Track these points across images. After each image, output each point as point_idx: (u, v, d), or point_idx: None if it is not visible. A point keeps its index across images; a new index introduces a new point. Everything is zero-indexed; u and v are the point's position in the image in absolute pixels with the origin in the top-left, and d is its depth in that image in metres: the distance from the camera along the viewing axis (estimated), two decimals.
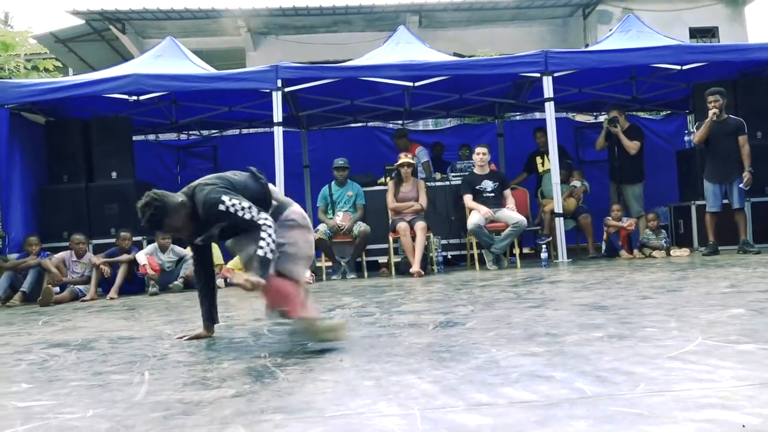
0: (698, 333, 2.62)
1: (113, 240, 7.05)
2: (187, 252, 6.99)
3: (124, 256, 6.74)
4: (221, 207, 2.93)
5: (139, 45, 14.01)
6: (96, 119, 8.00)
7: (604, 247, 7.76)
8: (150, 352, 3.04)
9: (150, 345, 3.26)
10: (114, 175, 7.79)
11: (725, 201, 7.09)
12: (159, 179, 9.38)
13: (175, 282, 6.72)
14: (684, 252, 7.36)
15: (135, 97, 7.85)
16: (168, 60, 7.98)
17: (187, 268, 6.80)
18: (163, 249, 6.90)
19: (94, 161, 7.84)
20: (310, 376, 2.30)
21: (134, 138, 8.50)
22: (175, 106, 8.78)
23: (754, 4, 15.19)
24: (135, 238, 7.11)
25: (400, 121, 10.35)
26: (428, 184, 7.71)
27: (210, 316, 3.42)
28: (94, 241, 7.36)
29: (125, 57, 13.49)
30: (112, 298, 6.34)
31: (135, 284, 6.84)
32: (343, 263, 7.19)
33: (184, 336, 3.38)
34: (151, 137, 10.14)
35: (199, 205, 3.02)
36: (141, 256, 6.67)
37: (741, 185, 6.90)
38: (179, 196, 3.09)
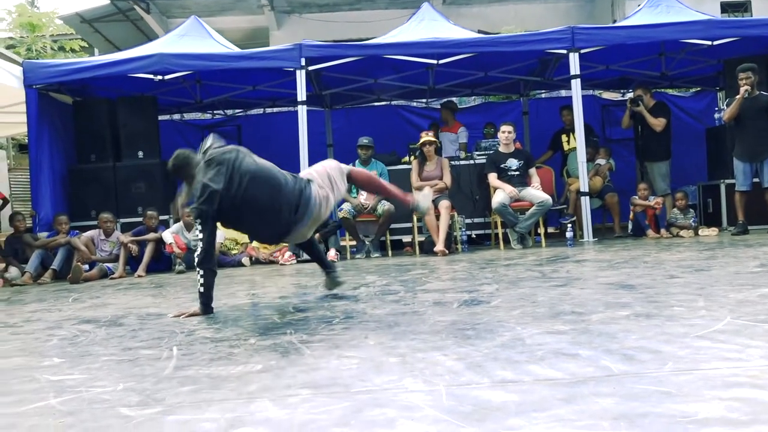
0: (727, 312, 2.59)
1: (140, 219, 7.15)
2: None
3: (151, 235, 6.82)
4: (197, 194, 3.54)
5: (164, 25, 14.05)
6: (122, 99, 8.07)
7: (630, 226, 7.68)
8: (178, 328, 3.08)
9: (177, 321, 3.31)
10: (140, 154, 7.86)
11: (755, 180, 6.97)
12: None
13: None
14: (713, 231, 7.25)
15: (160, 77, 7.88)
16: (192, 39, 8.00)
17: None
18: (189, 227, 6.96)
19: (121, 141, 7.91)
20: (335, 353, 2.32)
21: (160, 117, 8.56)
22: (200, 86, 8.82)
23: None
24: (161, 217, 7.18)
25: (424, 100, 10.29)
26: (452, 162, 7.67)
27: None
28: (122, 220, 7.45)
29: (150, 37, 13.55)
30: (140, 276, 6.42)
31: (162, 262, 6.92)
32: (367, 242, 7.21)
33: (181, 314, 3.46)
34: (176, 117, 10.20)
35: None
36: (167, 235, 6.75)
37: None
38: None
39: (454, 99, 10.08)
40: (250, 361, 2.28)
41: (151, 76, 7.83)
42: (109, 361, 2.44)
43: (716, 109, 8.79)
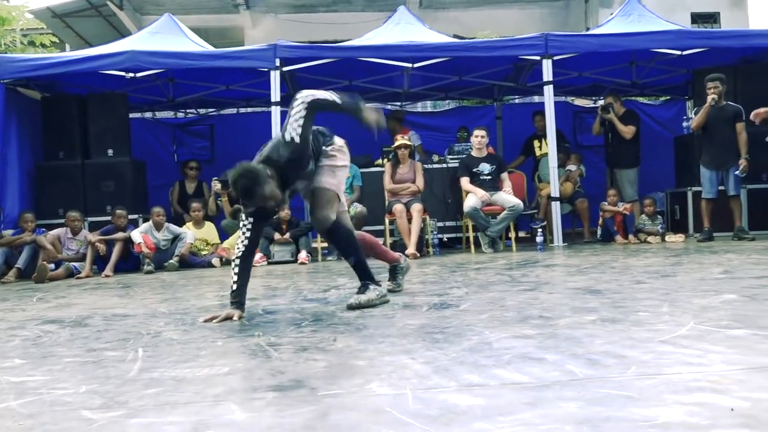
0: (690, 318, 2.63)
1: (109, 218, 7.04)
2: (183, 230, 6.99)
3: (120, 234, 6.73)
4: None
5: (137, 21, 13.90)
6: (92, 96, 7.95)
7: (599, 231, 7.78)
8: (144, 329, 3.04)
9: (144, 323, 3.26)
10: (110, 152, 7.76)
11: (721, 187, 7.11)
12: (155, 157, 9.38)
13: (170, 261, 6.72)
14: (679, 238, 7.38)
15: (132, 74, 7.79)
16: (165, 37, 7.93)
17: (182, 247, 6.81)
18: (159, 227, 6.89)
19: (90, 138, 7.80)
20: (303, 356, 2.31)
21: (131, 115, 8.46)
22: (172, 84, 8.74)
23: None
24: (130, 216, 7.10)
25: (399, 103, 10.31)
26: (425, 166, 7.69)
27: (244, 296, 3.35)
28: (90, 219, 7.35)
29: (122, 33, 13.39)
30: (107, 276, 6.34)
31: (130, 262, 6.84)
32: None
33: (214, 319, 3.17)
34: (148, 115, 10.09)
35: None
36: (136, 235, 6.67)
37: (737, 172, 6.91)
38: (266, 168, 3.23)
39: (428, 102, 10.12)
40: (216, 363, 2.26)
41: (122, 74, 7.74)
42: (72, 362, 2.40)
43: (684, 117, 8.94)
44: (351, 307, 3.30)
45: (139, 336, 2.88)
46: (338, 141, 3.80)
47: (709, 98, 7.01)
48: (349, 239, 3.52)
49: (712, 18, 14.61)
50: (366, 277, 3.49)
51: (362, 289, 3.44)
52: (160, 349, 2.55)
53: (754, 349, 2.08)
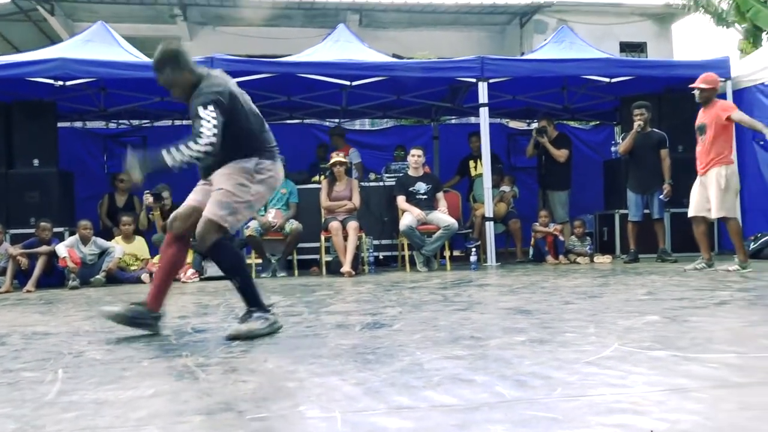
0: (615, 339, 2.71)
1: (32, 230, 6.75)
2: (111, 245, 6.78)
3: (44, 248, 6.47)
4: (199, 110, 3.11)
5: (69, 28, 13.48)
6: (18, 103, 7.64)
7: (531, 252, 7.95)
8: (65, 348, 2.93)
9: (66, 341, 3.14)
10: (36, 162, 7.46)
11: (646, 211, 7.39)
12: (84, 168, 9.08)
13: (97, 276, 6.49)
14: (607, 259, 7.61)
15: (61, 82, 7.53)
16: (98, 45, 7.71)
17: (110, 262, 6.60)
18: (85, 241, 6.66)
19: (14, 147, 7.49)
20: (232, 377, 2.27)
21: (59, 124, 8.17)
22: (104, 94, 8.48)
23: (680, 22, 15.85)
24: (56, 229, 6.83)
25: (337, 120, 10.32)
26: (362, 184, 7.70)
27: None
28: (12, 231, 7.02)
29: (53, 40, 12.93)
30: (28, 291, 6.08)
31: (54, 277, 6.57)
32: (273, 261, 7.12)
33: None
34: (78, 124, 9.77)
35: (196, 92, 3.21)
36: (61, 248, 6.42)
37: (661, 197, 7.20)
38: (196, 68, 3.32)
39: (366, 120, 10.18)
40: (140, 385, 2.19)
41: (51, 81, 7.47)
42: None
43: (613, 142, 9.27)
44: (230, 338, 3.00)
45: (60, 356, 2.77)
46: (266, 165, 3.32)
47: (636, 125, 7.30)
48: (233, 258, 3.26)
49: (639, 48, 15.25)
50: (252, 303, 3.16)
51: (245, 317, 3.12)
52: (82, 370, 2.46)
53: (673, 371, 2.16)
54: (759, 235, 7.25)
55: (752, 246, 7.19)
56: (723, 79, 7.98)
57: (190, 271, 6.72)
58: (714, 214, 5.92)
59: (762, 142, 7.59)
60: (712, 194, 5.87)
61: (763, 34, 14.27)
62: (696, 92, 6.06)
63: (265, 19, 13.90)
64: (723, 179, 5.79)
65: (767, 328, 2.88)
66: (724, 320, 3.16)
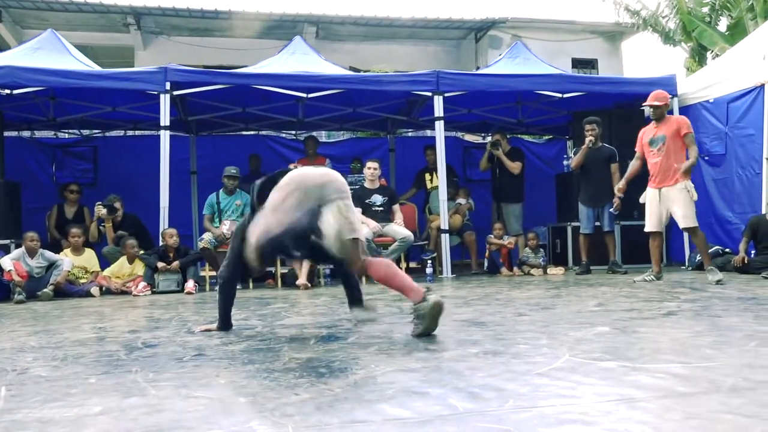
0: (566, 350, 2.75)
1: None
2: (59, 257, 6.60)
3: None
4: None
5: (17, 35, 13.18)
6: None
7: (486, 263, 8.03)
8: (9, 365, 2.83)
9: (10, 358, 3.03)
10: None
11: (597, 224, 7.55)
12: (31, 179, 8.86)
13: (45, 290, 6.30)
14: (559, 270, 7.75)
15: (8, 91, 7.33)
16: (47, 53, 7.55)
17: (58, 275, 6.41)
18: (32, 253, 6.47)
19: None
20: (182, 393, 2.22)
21: (5, 134, 7.96)
22: (54, 103, 8.31)
23: (629, 40, 16.32)
24: (1, 242, 6.63)
25: (293, 131, 10.29)
26: None
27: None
28: None
29: (0, 47, 12.62)
30: None
31: None
32: None
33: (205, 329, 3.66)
34: (26, 134, 9.52)
35: None
36: (6, 261, 6.22)
37: (611, 210, 7.36)
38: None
39: (322, 132, 10.18)
40: (87, 402, 2.13)
41: None
42: None
43: (565, 156, 9.48)
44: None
45: (4, 372, 2.67)
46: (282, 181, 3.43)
47: (587, 139, 7.47)
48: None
49: (591, 64, 15.66)
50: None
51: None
52: (26, 387, 2.38)
53: (622, 381, 2.20)
54: None
55: (698, 258, 7.39)
56: (670, 96, 8.25)
57: (142, 284, 6.59)
58: (686, 224, 5.96)
59: (707, 158, 7.85)
60: (680, 206, 5.92)
61: (708, 53, 14.80)
62: (649, 109, 6.22)
63: (224, 29, 13.82)
64: (692, 191, 5.93)
65: (711, 339, 2.96)
66: (671, 331, 3.24)
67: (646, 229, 6.24)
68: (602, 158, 7.52)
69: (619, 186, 6.63)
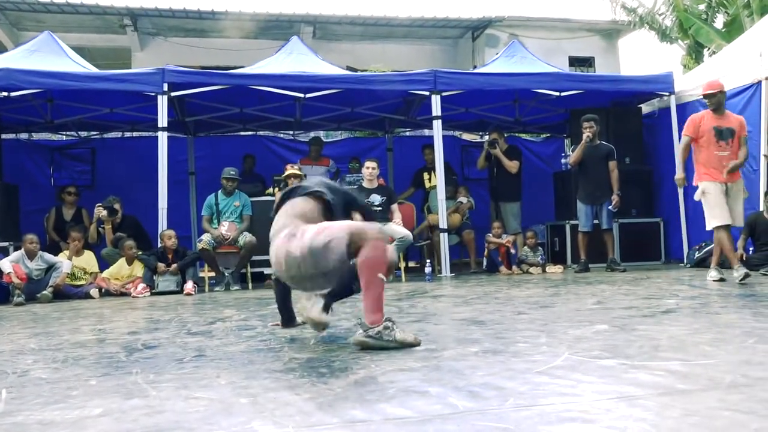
0: (565, 348, 2.76)
1: None
2: (58, 259, 6.60)
3: None
4: None
5: (14, 37, 13.16)
6: None
7: (485, 262, 8.04)
8: (9, 368, 2.83)
9: (10, 360, 3.03)
10: None
11: (596, 221, 7.56)
12: (30, 181, 8.85)
13: (44, 292, 6.30)
14: (558, 269, 7.75)
15: (5, 93, 7.32)
16: (44, 55, 7.53)
17: (58, 277, 6.41)
18: (31, 256, 6.47)
19: None
20: (183, 394, 2.23)
21: (3, 136, 7.95)
22: (51, 105, 8.29)
23: (626, 38, 16.34)
24: (0, 244, 6.62)
25: (291, 132, 10.29)
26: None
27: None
28: None
29: None
30: None
31: None
32: (227, 274, 7.03)
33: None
34: (23, 136, 9.51)
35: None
36: (5, 264, 6.22)
37: (610, 207, 7.38)
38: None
39: (320, 132, 10.19)
40: (88, 404, 2.13)
41: None
42: None
43: (563, 154, 9.48)
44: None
45: (4, 375, 2.68)
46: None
47: (585, 137, 7.48)
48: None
49: (587, 62, 15.68)
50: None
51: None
52: (27, 390, 2.39)
53: (621, 378, 2.21)
54: (703, 244, 7.48)
55: (697, 255, 7.42)
56: (667, 94, 8.28)
57: (141, 285, 6.59)
58: (739, 223, 5.82)
59: None
60: (740, 204, 5.76)
61: (705, 50, 14.82)
62: (710, 98, 5.86)
63: (220, 30, 13.82)
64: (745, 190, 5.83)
65: (710, 336, 2.97)
66: (670, 328, 3.25)
67: (718, 223, 5.65)
68: (600, 156, 7.53)
69: (680, 176, 6.12)
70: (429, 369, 2.47)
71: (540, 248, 8.06)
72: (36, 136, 9.71)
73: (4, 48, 12.27)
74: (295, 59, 8.23)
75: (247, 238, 7.00)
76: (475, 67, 13.73)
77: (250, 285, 7.11)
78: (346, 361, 2.67)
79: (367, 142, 10.78)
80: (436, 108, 7.72)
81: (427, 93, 7.82)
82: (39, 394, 2.30)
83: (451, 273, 7.54)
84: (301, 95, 7.92)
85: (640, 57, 31.82)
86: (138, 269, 6.84)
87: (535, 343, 2.92)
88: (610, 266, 7.37)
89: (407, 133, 10.91)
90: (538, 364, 2.48)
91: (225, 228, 7.04)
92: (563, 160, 9.10)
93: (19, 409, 2.10)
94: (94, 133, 9.78)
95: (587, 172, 7.57)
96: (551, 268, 7.77)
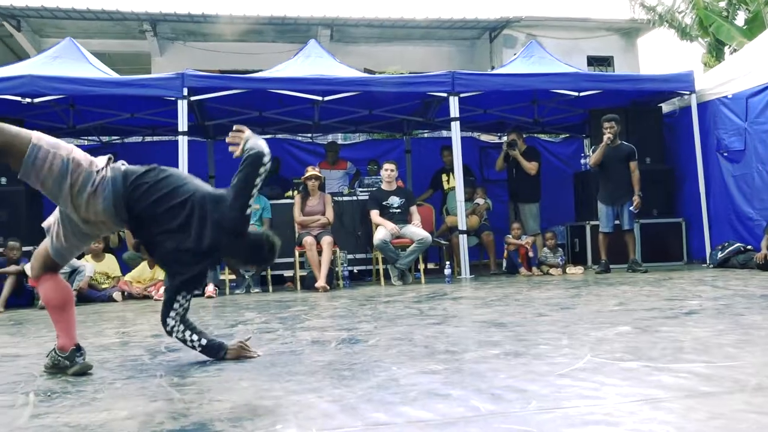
0: (587, 350, 2.75)
1: (0, 250, 6.64)
2: (81, 263, 6.68)
3: (12, 267, 6.36)
4: None
5: (36, 44, 13.33)
6: None
7: (504, 264, 8.01)
8: (36, 371, 2.88)
9: (37, 363, 3.08)
10: (3, 180, 7.35)
11: (617, 222, 7.50)
12: None
13: None
14: (579, 270, 7.70)
15: (29, 100, 7.43)
16: (66, 62, 7.63)
17: (81, 280, 6.49)
18: None
19: None
20: (207, 396, 2.25)
21: None
22: (73, 110, 8.40)
23: (645, 36, 16.19)
24: (24, 248, 6.71)
25: (309, 134, 10.33)
26: (335, 198, 7.71)
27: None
28: None
29: (20, 56, 12.81)
30: None
31: (23, 297, 6.46)
32: (247, 277, 7.07)
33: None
34: None
35: None
36: (30, 267, 6.30)
37: (631, 208, 7.32)
38: None
39: (338, 135, 10.24)
40: (114, 407, 2.16)
41: (18, 98, 7.37)
42: None
43: (583, 155, 9.42)
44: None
45: (31, 378, 2.72)
46: None
47: (606, 137, 7.41)
48: None
49: (606, 61, 15.56)
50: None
51: None
52: (54, 393, 2.42)
53: (645, 381, 2.20)
54: (726, 244, 7.41)
55: (720, 255, 7.34)
56: (687, 92, 8.20)
57: (163, 288, 6.63)
58: None
59: (726, 154, 7.78)
60: None
61: (725, 48, 14.65)
62: None
63: (237, 34, 13.91)
64: None
65: (734, 337, 2.94)
66: (693, 330, 3.22)
67: None
68: (621, 156, 7.47)
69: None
70: (450, 371, 2.47)
71: (560, 249, 8.01)
72: None
73: (27, 55, 12.45)
74: (313, 62, 8.27)
75: None
76: (492, 67, 13.69)
77: (270, 287, 7.14)
78: (368, 364, 2.68)
79: (386, 144, 10.78)
80: (454, 109, 7.71)
81: (445, 95, 7.81)
82: (66, 397, 2.34)
83: (470, 274, 7.52)
84: (320, 98, 7.95)
85: (659, 56, 31.51)
86: (159, 272, 6.90)
87: (556, 345, 2.91)
88: (631, 267, 7.31)
89: (425, 135, 10.90)
90: (560, 366, 2.47)
91: None
92: (583, 161, 9.05)
93: (47, 412, 2.13)
94: (116, 137, 9.90)
95: (608, 172, 7.51)
96: (571, 270, 7.72)
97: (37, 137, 2.73)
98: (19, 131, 2.75)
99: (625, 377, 2.26)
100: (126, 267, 7.19)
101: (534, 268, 7.72)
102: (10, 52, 13.72)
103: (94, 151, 9.75)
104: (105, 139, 9.89)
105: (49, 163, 2.70)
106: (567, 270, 7.71)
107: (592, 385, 2.16)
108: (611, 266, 7.42)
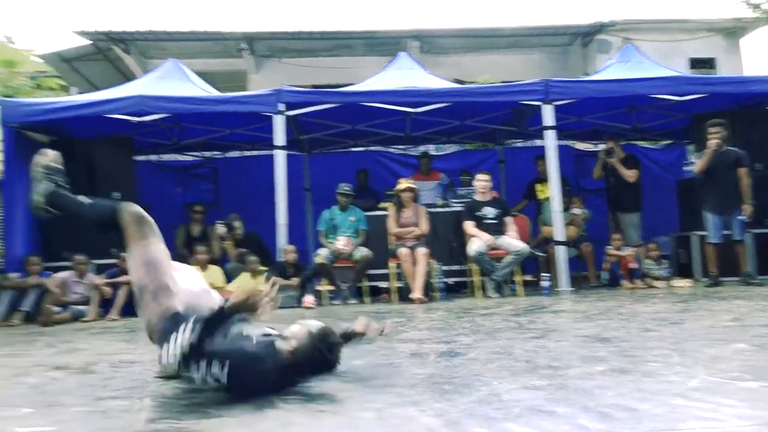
0: (701, 369, 2.61)
1: (115, 261, 7.03)
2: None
3: (125, 277, 6.68)
4: None
5: (142, 65, 14.11)
6: (98, 139, 8.02)
7: (605, 276, 7.74)
8: (150, 377, 3.02)
9: (150, 369, 3.23)
10: (116, 194, 7.77)
11: (726, 232, 7.08)
12: (160, 200, 9.36)
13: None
14: (686, 283, 7.32)
15: (138, 119, 7.87)
16: (170, 82, 8.03)
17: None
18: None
19: (96, 181, 7.81)
20: (309, 407, 2.29)
21: (136, 158, 8.52)
22: (178, 128, 8.82)
23: (749, 36, 15.35)
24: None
25: (402, 146, 10.39)
26: (430, 210, 7.70)
27: None
28: (96, 262, 7.32)
29: (128, 77, 13.58)
30: (113, 320, 6.31)
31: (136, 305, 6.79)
32: (344, 288, 7.17)
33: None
34: (153, 157, 10.15)
35: None
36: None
37: (741, 217, 6.91)
38: None
39: (430, 146, 10.27)
40: (224, 414, 2.23)
41: (128, 118, 7.81)
42: (79, 412, 2.39)
43: (686, 161, 9.00)
44: None
45: (146, 384, 2.86)
46: None
47: (713, 143, 7.04)
48: None
49: (709, 63, 14.84)
50: None
51: None
52: (167, 398, 2.54)
53: (767, 403, 2.06)
54: None
55: None
56: None
57: (309, 296, 6.81)
58: None
59: None
60: None
61: None
62: None
63: (328, 49, 14.22)
64: None
65: None
66: None
67: None
68: (729, 162, 7.06)
69: None
70: (554, 388, 2.41)
71: (664, 261, 7.66)
72: (164, 158, 10.33)
73: (134, 75, 13.19)
74: (404, 74, 8.32)
75: (363, 252, 7.12)
76: (586, 74, 13.32)
77: (366, 299, 7.21)
78: (468, 378, 2.65)
79: (479, 155, 10.68)
80: (549, 118, 7.55)
81: (539, 103, 7.66)
82: (178, 403, 2.44)
83: (570, 287, 7.30)
84: (411, 110, 7.98)
85: (765, 56, 29.74)
86: (261, 283, 7.11)
87: (667, 363, 2.78)
88: (745, 280, 6.88)
89: (518, 144, 10.72)
90: (672, 385, 2.36)
91: (342, 242, 7.18)
92: (686, 168, 8.64)
93: (161, 417, 2.23)
94: (217, 152, 10.31)
95: (715, 180, 7.11)
96: (677, 282, 7.36)
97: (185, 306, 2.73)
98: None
99: (744, 398, 2.13)
100: (229, 277, 7.46)
101: (637, 281, 7.42)
102: (119, 73, 14.57)
103: (197, 166, 10.23)
104: (207, 154, 10.32)
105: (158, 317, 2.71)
106: (673, 283, 7.36)
107: (708, 406, 2.05)
108: (721, 279, 7.02)
